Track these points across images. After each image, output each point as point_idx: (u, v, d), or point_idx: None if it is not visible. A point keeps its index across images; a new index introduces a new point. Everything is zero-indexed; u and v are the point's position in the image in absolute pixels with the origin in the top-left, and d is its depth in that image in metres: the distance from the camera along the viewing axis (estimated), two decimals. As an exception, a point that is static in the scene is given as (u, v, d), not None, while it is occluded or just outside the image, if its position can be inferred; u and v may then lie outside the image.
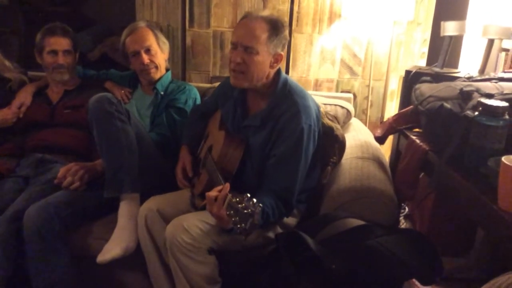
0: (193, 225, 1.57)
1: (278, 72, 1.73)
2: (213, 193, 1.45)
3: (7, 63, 2.36)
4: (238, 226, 1.30)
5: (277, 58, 1.68)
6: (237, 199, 1.33)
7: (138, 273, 1.88)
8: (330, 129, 1.89)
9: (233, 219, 1.31)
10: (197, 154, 1.97)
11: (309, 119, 1.67)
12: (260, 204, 1.31)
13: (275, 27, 1.64)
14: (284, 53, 1.71)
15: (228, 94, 1.86)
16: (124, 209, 1.83)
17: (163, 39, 2.26)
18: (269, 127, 1.68)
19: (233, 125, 1.81)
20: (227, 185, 1.45)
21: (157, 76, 2.25)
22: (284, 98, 1.69)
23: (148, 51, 2.18)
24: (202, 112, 2.09)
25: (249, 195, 1.35)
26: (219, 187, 1.46)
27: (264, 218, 1.54)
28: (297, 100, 1.67)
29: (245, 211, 1.29)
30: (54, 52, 2.19)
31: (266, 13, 1.67)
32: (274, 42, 1.64)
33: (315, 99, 1.81)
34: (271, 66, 1.68)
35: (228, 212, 1.34)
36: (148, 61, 2.18)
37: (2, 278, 1.70)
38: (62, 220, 1.77)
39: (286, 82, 1.72)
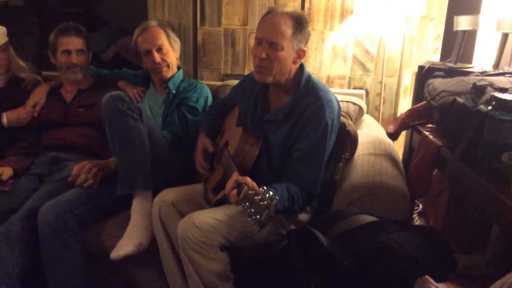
0: (204, 222, 1.58)
1: (301, 67, 1.73)
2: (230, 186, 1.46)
3: (21, 63, 2.40)
4: (254, 217, 1.29)
5: (300, 54, 1.68)
6: (253, 191, 1.34)
7: (151, 270, 1.90)
8: (342, 125, 1.88)
9: (248, 210, 1.31)
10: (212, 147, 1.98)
11: (333, 114, 1.67)
12: (277, 197, 1.32)
13: (299, 23, 1.64)
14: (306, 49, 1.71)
15: (249, 90, 1.86)
16: (137, 206, 1.85)
17: (174, 37, 2.28)
18: (292, 122, 1.69)
19: (253, 120, 1.81)
20: (235, 174, 1.47)
21: (169, 74, 2.26)
22: (308, 93, 1.69)
23: (159, 50, 2.20)
24: (219, 108, 2.09)
25: (265, 187, 1.37)
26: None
27: (290, 202, 1.57)
28: (321, 95, 1.68)
29: (261, 203, 1.29)
30: (68, 52, 2.22)
31: (290, 9, 1.67)
32: (298, 38, 1.64)
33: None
34: (294, 62, 1.68)
35: (243, 204, 1.34)
36: (159, 59, 2.20)
37: (18, 275, 1.73)
38: (76, 217, 1.80)
39: (309, 78, 1.72)
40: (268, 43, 1.62)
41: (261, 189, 1.36)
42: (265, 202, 1.29)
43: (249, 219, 1.31)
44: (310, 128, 1.65)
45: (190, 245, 1.56)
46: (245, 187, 1.38)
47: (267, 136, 1.75)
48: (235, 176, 1.46)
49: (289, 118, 1.69)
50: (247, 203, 1.33)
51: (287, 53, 1.63)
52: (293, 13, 1.65)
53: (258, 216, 1.29)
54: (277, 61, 1.63)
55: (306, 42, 1.70)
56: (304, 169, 1.66)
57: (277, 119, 1.73)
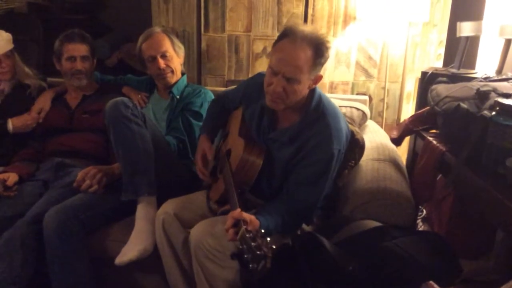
0: (219, 230, 1.54)
1: (313, 88, 1.63)
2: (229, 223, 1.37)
3: (26, 69, 2.42)
4: (250, 266, 1.19)
5: (315, 80, 1.58)
6: (251, 235, 1.23)
7: (155, 275, 1.90)
8: (351, 133, 1.84)
9: (245, 255, 1.20)
10: (216, 147, 1.95)
11: (340, 144, 1.61)
12: (273, 246, 1.21)
13: (319, 51, 1.51)
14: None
15: (255, 99, 1.76)
16: (141, 212, 1.85)
17: (178, 44, 2.29)
18: (297, 145, 1.62)
19: (258, 133, 1.74)
20: (238, 210, 1.38)
21: (173, 80, 2.28)
22: (317, 118, 1.61)
23: (164, 56, 2.21)
24: (223, 105, 2.01)
25: (263, 230, 1.27)
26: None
27: (283, 227, 1.54)
28: (330, 123, 1.59)
29: (258, 252, 1.18)
30: (72, 58, 2.23)
31: (309, 30, 1.51)
32: (317, 68, 1.54)
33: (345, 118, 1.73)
34: (309, 87, 1.59)
35: (241, 246, 1.24)
36: (164, 65, 2.22)
37: (23, 280, 1.73)
38: (81, 223, 1.80)
39: (320, 101, 1.63)
40: (285, 78, 1.50)
41: (258, 232, 1.24)
42: (262, 252, 1.18)
43: (245, 265, 1.21)
44: (315, 158, 1.58)
45: (204, 253, 1.54)
46: (243, 228, 1.27)
47: (270, 153, 1.68)
48: (235, 213, 1.37)
49: (294, 142, 1.62)
50: (245, 246, 1.22)
51: (304, 84, 1.53)
52: (314, 40, 1.50)
53: (254, 265, 1.18)
54: (293, 93, 1.53)
55: (323, 65, 1.58)
56: (302, 194, 1.60)
57: (281, 140, 1.66)
